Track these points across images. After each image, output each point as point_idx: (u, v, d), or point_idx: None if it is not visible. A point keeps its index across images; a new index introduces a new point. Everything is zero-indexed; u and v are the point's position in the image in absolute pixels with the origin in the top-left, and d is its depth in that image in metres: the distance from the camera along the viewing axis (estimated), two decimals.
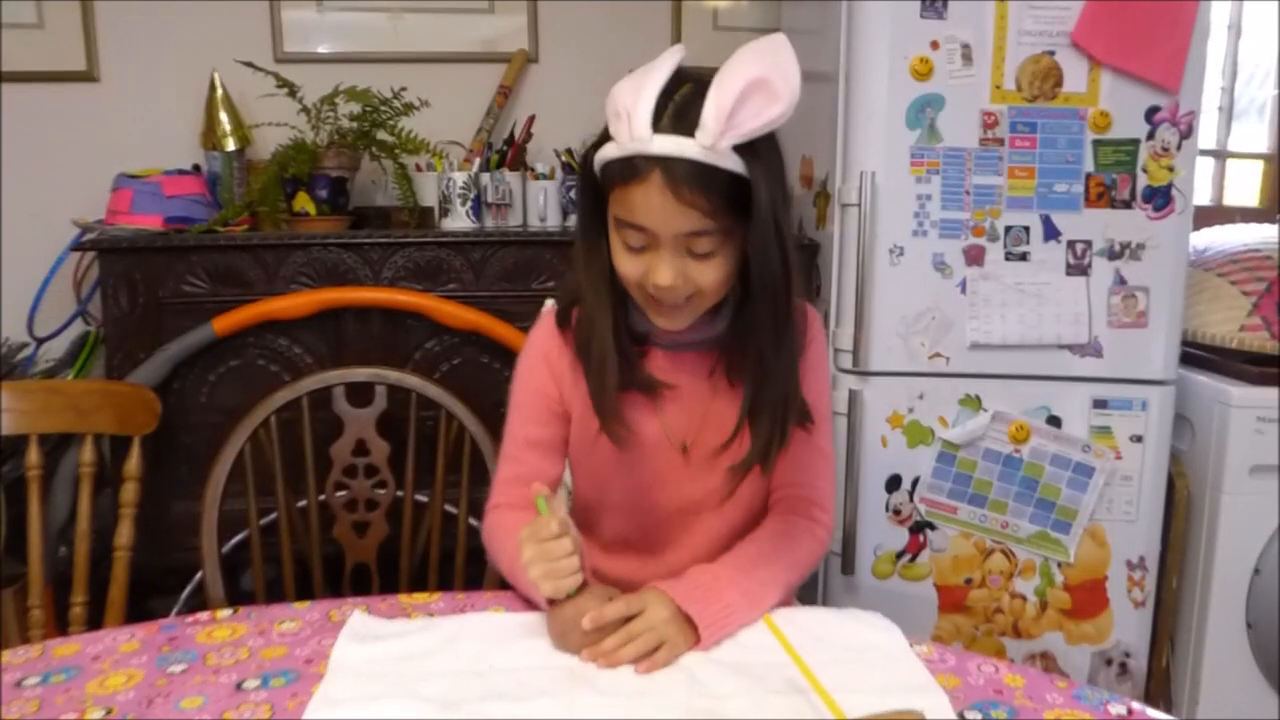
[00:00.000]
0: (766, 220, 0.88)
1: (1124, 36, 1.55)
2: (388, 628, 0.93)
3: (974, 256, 1.60)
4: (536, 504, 0.87)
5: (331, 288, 1.72)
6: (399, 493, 1.43)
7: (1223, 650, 1.71)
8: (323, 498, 1.42)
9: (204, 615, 0.96)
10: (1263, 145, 2.59)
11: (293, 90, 1.86)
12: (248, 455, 1.32)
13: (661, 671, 0.85)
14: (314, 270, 1.73)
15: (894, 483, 1.65)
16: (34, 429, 1.30)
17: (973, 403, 1.63)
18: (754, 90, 0.85)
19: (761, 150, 0.88)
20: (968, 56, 1.56)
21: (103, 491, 1.61)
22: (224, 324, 1.67)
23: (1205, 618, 1.71)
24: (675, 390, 1.03)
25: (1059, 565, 1.67)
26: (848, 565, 1.65)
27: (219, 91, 1.90)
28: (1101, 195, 1.60)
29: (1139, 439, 1.64)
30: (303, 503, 1.43)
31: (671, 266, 0.90)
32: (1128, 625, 1.69)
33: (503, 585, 1.05)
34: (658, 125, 0.86)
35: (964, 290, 1.60)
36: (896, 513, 1.66)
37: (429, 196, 1.94)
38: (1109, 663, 1.70)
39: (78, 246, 1.79)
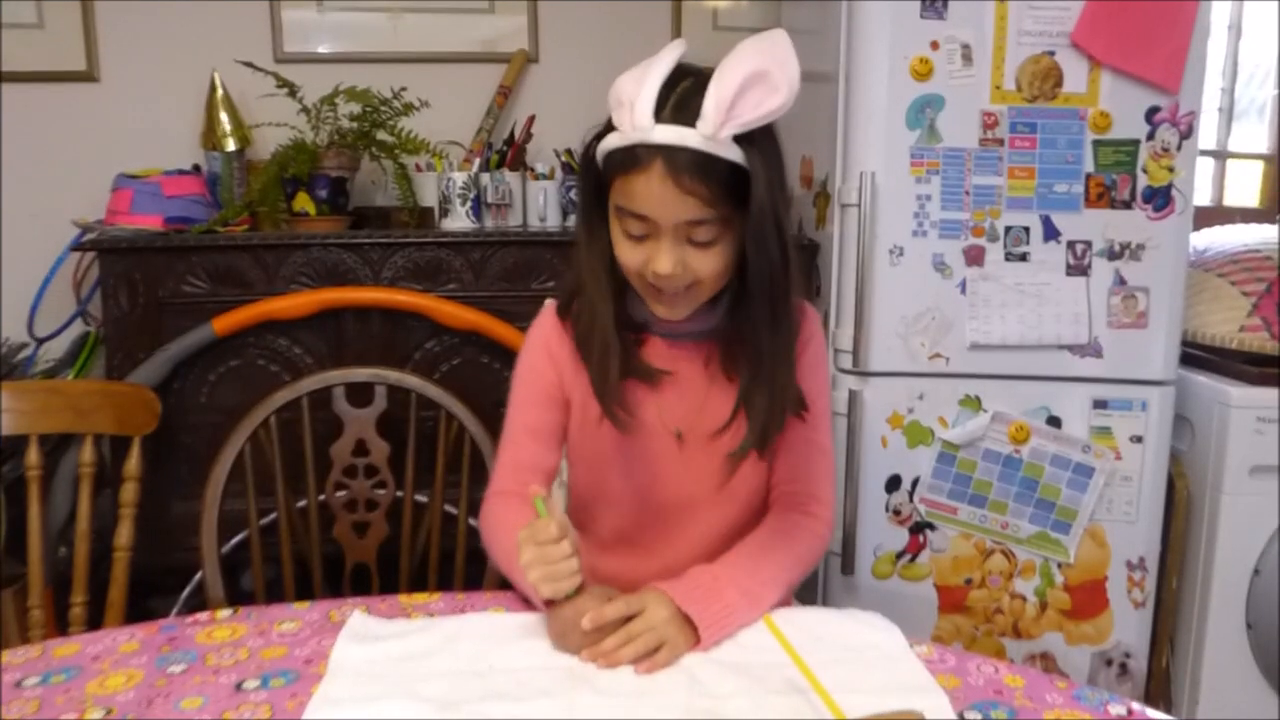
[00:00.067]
0: (765, 209, 0.90)
1: (1124, 37, 1.55)
2: (387, 628, 0.93)
3: (974, 257, 1.60)
4: (535, 506, 0.87)
5: (331, 288, 1.72)
6: (399, 493, 1.43)
7: (1223, 651, 1.71)
8: (322, 498, 1.42)
9: (204, 615, 0.96)
10: (1263, 146, 2.59)
11: (293, 90, 1.86)
12: (248, 455, 1.32)
13: (661, 672, 0.86)
14: (314, 270, 1.73)
15: (894, 483, 1.65)
16: (34, 429, 1.30)
17: (973, 403, 1.63)
18: (754, 82, 0.87)
19: (761, 142, 0.90)
20: (968, 57, 1.56)
21: (103, 492, 1.61)
22: (224, 324, 1.67)
23: (1205, 618, 1.71)
24: (673, 379, 1.04)
25: (1059, 566, 1.67)
26: (848, 566, 1.65)
27: (219, 91, 1.90)
28: (1101, 195, 1.60)
29: (1139, 439, 1.64)
30: (302, 503, 1.43)
31: (671, 255, 0.91)
32: (1128, 626, 1.69)
33: (502, 586, 1.05)
34: (659, 115, 0.88)
35: (964, 291, 1.60)
36: (896, 513, 1.66)
37: (429, 197, 1.94)
38: (1109, 663, 1.70)
39: (78, 246, 1.79)
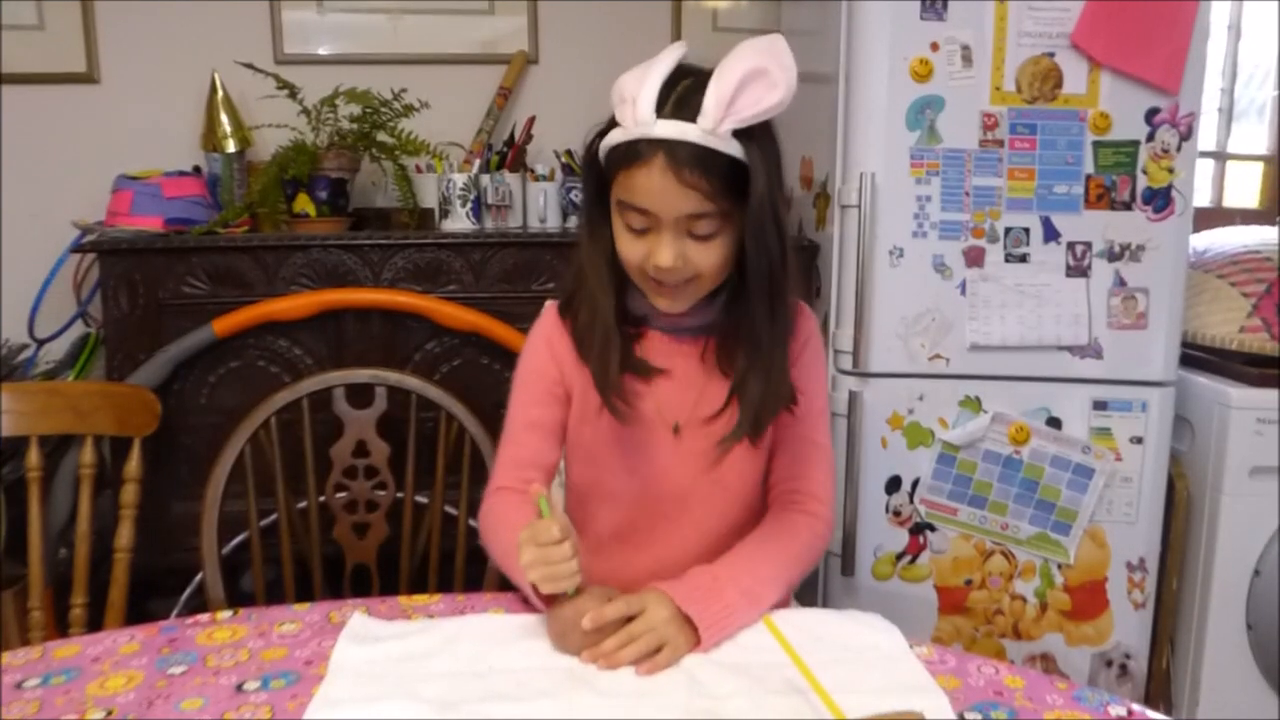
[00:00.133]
0: (763, 203, 0.92)
1: (1124, 38, 1.55)
2: (387, 629, 0.93)
3: (974, 258, 1.60)
4: (539, 505, 0.87)
5: (331, 289, 1.72)
6: (399, 494, 1.44)
7: (1223, 651, 1.71)
8: (323, 499, 1.42)
9: (204, 617, 0.96)
10: (1262, 147, 2.59)
11: (293, 92, 1.86)
12: (248, 456, 1.33)
13: (661, 672, 0.86)
14: (314, 271, 1.73)
15: (894, 484, 1.65)
16: (34, 430, 1.30)
17: (973, 404, 1.63)
18: (753, 79, 0.89)
19: (760, 138, 0.92)
20: (967, 58, 1.56)
21: (103, 493, 1.61)
22: (224, 325, 1.67)
23: (1205, 619, 1.71)
24: (670, 372, 1.05)
25: (1059, 567, 1.67)
26: (848, 567, 1.65)
27: (219, 93, 1.90)
28: (1101, 197, 1.60)
29: (1139, 440, 1.64)
30: (303, 504, 1.43)
31: (672, 248, 0.93)
32: (1128, 626, 1.69)
33: (503, 587, 1.06)
34: (661, 111, 0.90)
35: (964, 292, 1.60)
36: (896, 514, 1.66)
37: (429, 198, 1.94)
38: (1109, 664, 1.70)
39: (78, 248, 1.79)
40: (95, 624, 1.25)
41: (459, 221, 1.88)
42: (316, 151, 1.83)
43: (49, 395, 1.33)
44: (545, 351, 1.08)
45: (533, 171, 1.97)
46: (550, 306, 1.10)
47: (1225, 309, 1.77)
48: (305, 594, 1.25)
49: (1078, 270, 1.61)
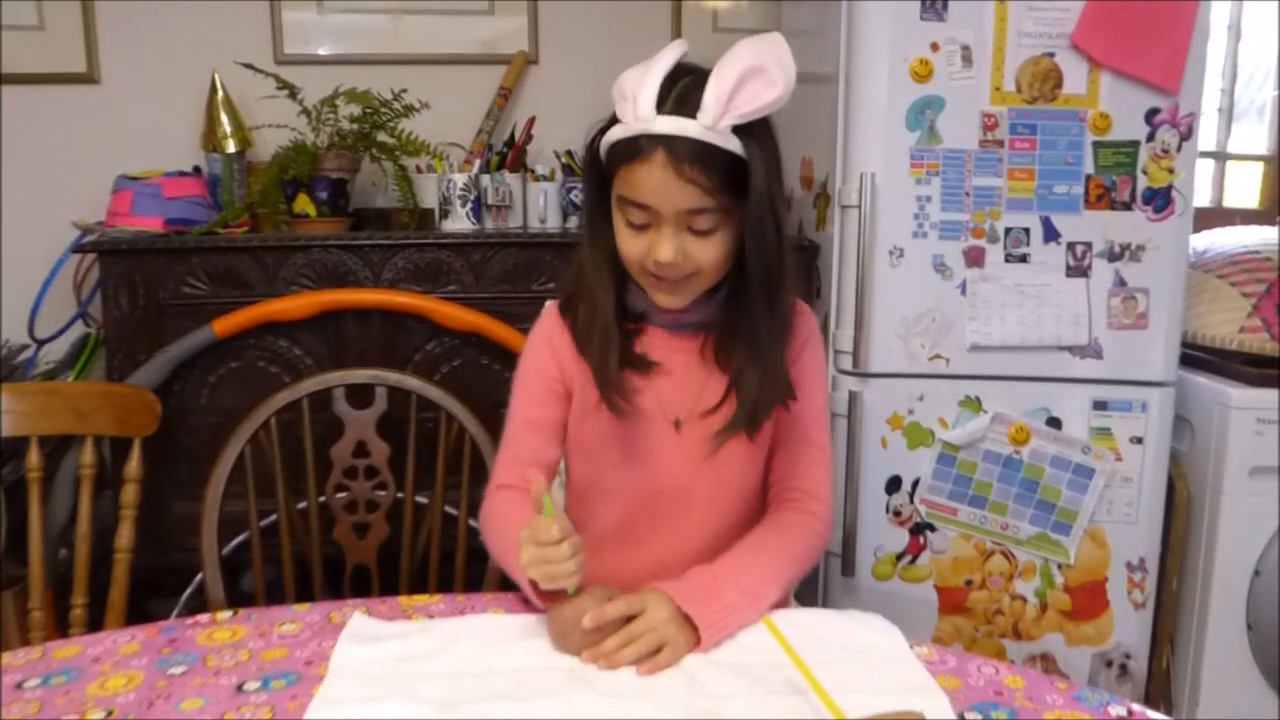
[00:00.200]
0: (762, 198, 0.93)
1: (1124, 38, 1.55)
2: (388, 629, 0.93)
3: (974, 258, 1.60)
4: (544, 505, 0.87)
5: (331, 289, 1.72)
6: (399, 494, 1.44)
7: (1223, 652, 1.71)
8: (323, 499, 1.42)
9: (204, 617, 0.96)
10: (1262, 147, 2.59)
11: (293, 92, 1.86)
12: (248, 457, 1.33)
13: (661, 672, 0.86)
14: (314, 272, 1.73)
15: (894, 484, 1.65)
16: (34, 431, 1.30)
17: (973, 404, 1.63)
18: (752, 75, 0.90)
19: (759, 134, 0.94)
20: (967, 58, 1.56)
21: (103, 493, 1.61)
22: (224, 325, 1.67)
23: (1205, 619, 1.71)
24: (670, 368, 1.06)
25: (1059, 567, 1.67)
26: (848, 567, 1.65)
27: (219, 93, 1.90)
28: (1101, 197, 1.60)
29: (1139, 440, 1.64)
30: (303, 504, 1.43)
31: (672, 243, 0.94)
32: (1128, 627, 1.69)
33: (503, 587, 1.06)
34: (661, 107, 0.92)
35: (964, 292, 1.60)
36: (896, 514, 1.66)
37: (429, 198, 1.94)
38: (1109, 664, 1.70)
39: (78, 248, 1.79)
40: (95, 624, 1.25)
41: (459, 222, 1.88)
42: (316, 152, 1.83)
43: (49, 395, 1.33)
44: (545, 350, 1.08)
45: (533, 172, 1.97)
46: (551, 306, 1.11)
47: (1225, 309, 1.77)
48: (305, 594, 1.25)
49: (1078, 270, 1.61)
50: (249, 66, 1.88)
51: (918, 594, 1.67)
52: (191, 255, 1.70)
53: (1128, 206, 1.60)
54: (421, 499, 1.45)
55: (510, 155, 1.98)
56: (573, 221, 1.94)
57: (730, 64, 0.91)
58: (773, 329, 1.02)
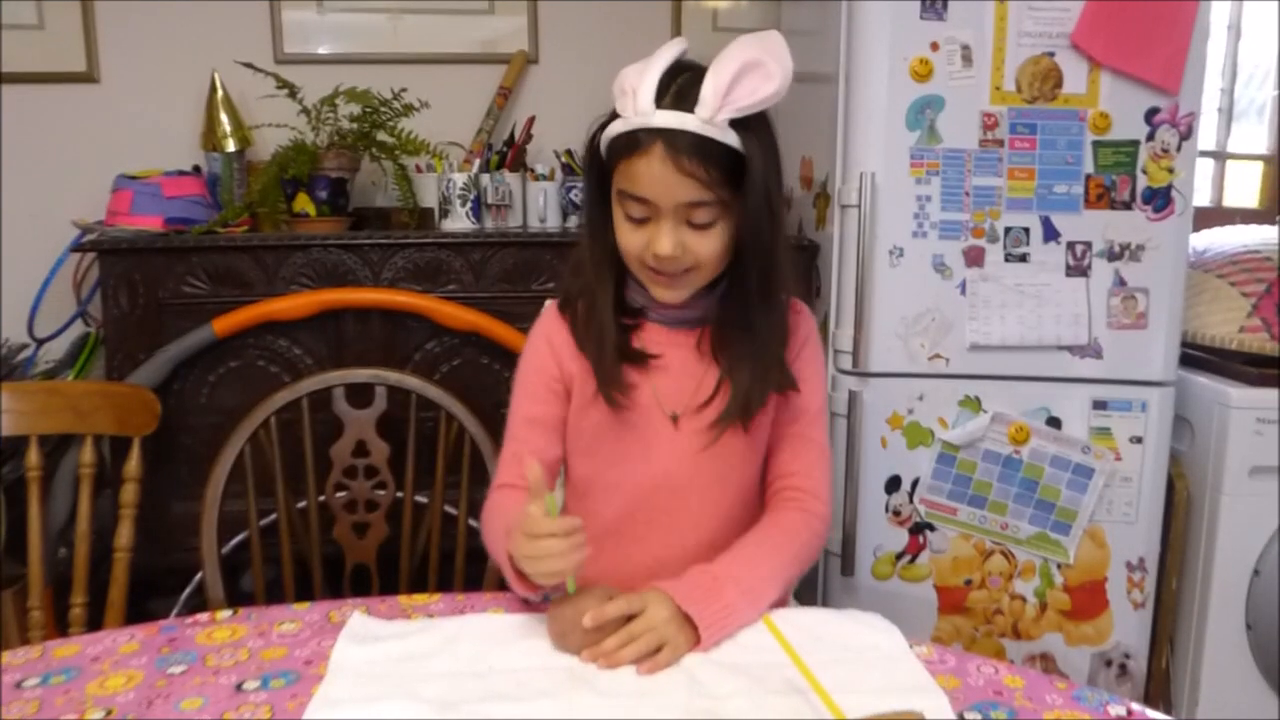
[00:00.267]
0: (759, 190, 0.95)
1: (1124, 38, 1.55)
2: (387, 629, 0.93)
3: (974, 258, 1.60)
4: (547, 504, 0.87)
5: (331, 289, 1.72)
6: (399, 494, 1.44)
7: (1222, 651, 1.71)
8: (322, 499, 1.42)
9: (204, 616, 0.96)
10: (1262, 146, 2.59)
11: (293, 91, 1.86)
12: (248, 456, 1.33)
13: (661, 672, 0.86)
14: (314, 271, 1.73)
15: (894, 484, 1.65)
16: (34, 430, 1.30)
17: (972, 404, 1.63)
18: (749, 70, 0.92)
19: (757, 129, 0.95)
20: (967, 58, 1.56)
21: (103, 492, 1.61)
22: (224, 325, 1.67)
23: (1205, 619, 1.71)
24: (668, 362, 1.06)
25: (1059, 566, 1.67)
26: (847, 566, 1.65)
27: (219, 92, 1.90)
28: (1101, 196, 1.60)
29: (1139, 440, 1.64)
30: (302, 504, 1.43)
31: (671, 237, 0.95)
32: (1127, 626, 1.69)
33: (502, 586, 1.05)
34: (660, 102, 0.93)
35: (964, 291, 1.60)
36: (896, 514, 1.66)
37: (429, 197, 1.94)
38: (1109, 664, 1.70)
39: (78, 247, 1.79)
40: (95, 624, 1.25)
41: (459, 221, 1.88)
42: (316, 151, 1.83)
43: (49, 395, 1.33)
44: (545, 349, 1.08)
45: (533, 171, 1.97)
46: (550, 305, 1.11)
47: (1225, 309, 1.77)
48: (305, 594, 1.25)
49: (1078, 270, 1.61)
50: (249, 66, 1.88)
51: (917, 594, 1.67)
52: (191, 254, 1.70)
53: (1128, 206, 1.60)
54: (421, 498, 1.45)
55: (510, 155, 1.98)
56: (573, 221, 1.94)
57: (728, 59, 0.92)
58: (769, 322, 1.03)
